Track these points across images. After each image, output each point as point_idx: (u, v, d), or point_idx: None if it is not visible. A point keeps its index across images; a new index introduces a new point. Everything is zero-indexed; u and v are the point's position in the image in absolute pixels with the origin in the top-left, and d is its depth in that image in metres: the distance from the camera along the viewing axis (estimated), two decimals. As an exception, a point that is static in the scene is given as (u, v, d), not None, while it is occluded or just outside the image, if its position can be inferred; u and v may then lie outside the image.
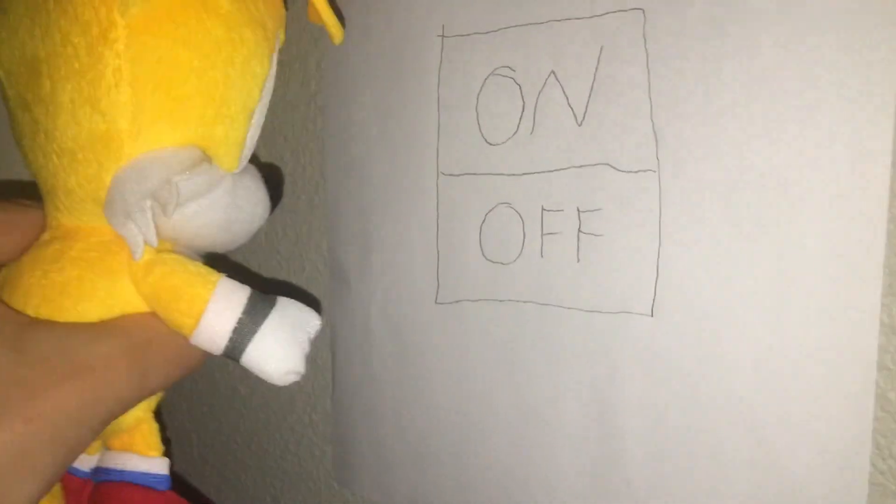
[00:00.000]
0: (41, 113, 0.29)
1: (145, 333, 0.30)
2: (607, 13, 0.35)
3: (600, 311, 0.38)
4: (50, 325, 0.29)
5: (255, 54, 0.31)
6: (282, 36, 0.34)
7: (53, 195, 0.31)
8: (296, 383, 0.55)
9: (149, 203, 0.28)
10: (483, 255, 0.42)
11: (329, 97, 0.48)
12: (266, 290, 0.32)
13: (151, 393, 0.31)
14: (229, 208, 0.31)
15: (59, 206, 0.31)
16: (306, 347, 0.31)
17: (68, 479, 0.36)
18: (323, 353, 0.53)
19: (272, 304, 0.31)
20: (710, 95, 0.33)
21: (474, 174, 0.41)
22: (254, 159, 0.35)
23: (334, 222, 0.50)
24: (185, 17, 0.28)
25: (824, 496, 0.33)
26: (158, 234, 0.30)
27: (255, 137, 0.34)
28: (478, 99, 0.41)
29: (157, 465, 0.35)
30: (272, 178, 0.36)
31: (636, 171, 0.36)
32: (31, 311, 0.30)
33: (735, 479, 0.35)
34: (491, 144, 0.41)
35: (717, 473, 0.36)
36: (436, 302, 0.44)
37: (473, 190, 0.42)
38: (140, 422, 0.34)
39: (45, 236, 0.32)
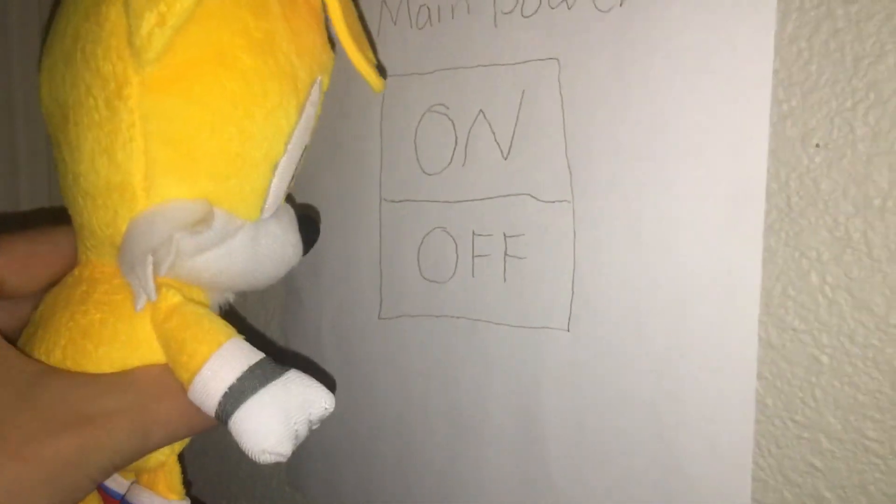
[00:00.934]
0: (68, 156, 0.30)
1: (155, 390, 0.29)
2: (528, 61, 0.40)
3: (524, 326, 0.42)
4: (61, 375, 0.29)
5: (280, 108, 0.30)
6: (325, 81, 0.34)
7: (81, 232, 0.32)
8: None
9: (150, 258, 0.27)
10: (421, 274, 0.46)
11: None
12: (289, 359, 0.32)
13: (156, 447, 0.31)
14: (249, 255, 0.31)
15: (86, 244, 0.32)
16: (300, 430, 0.29)
17: (106, 499, 0.37)
18: (277, 364, 0.56)
19: (275, 377, 0.29)
20: (616, 137, 0.37)
21: (413, 201, 0.45)
22: (290, 199, 0.35)
23: (287, 242, 0.53)
24: (200, 75, 0.28)
25: (715, 490, 0.37)
26: (178, 277, 0.30)
27: (286, 184, 0.33)
28: (416, 132, 0.45)
29: None
30: (306, 219, 0.36)
31: (553, 202, 0.40)
32: (59, 352, 0.30)
33: (643, 476, 0.39)
34: (428, 174, 0.45)
35: (627, 469, 0.40)
36: (379, 317, 0.48)
37: (412, 215, 0.46)
38: (162, 464, 0.35)
39: (76, 272, 0.33)
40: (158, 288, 0.30)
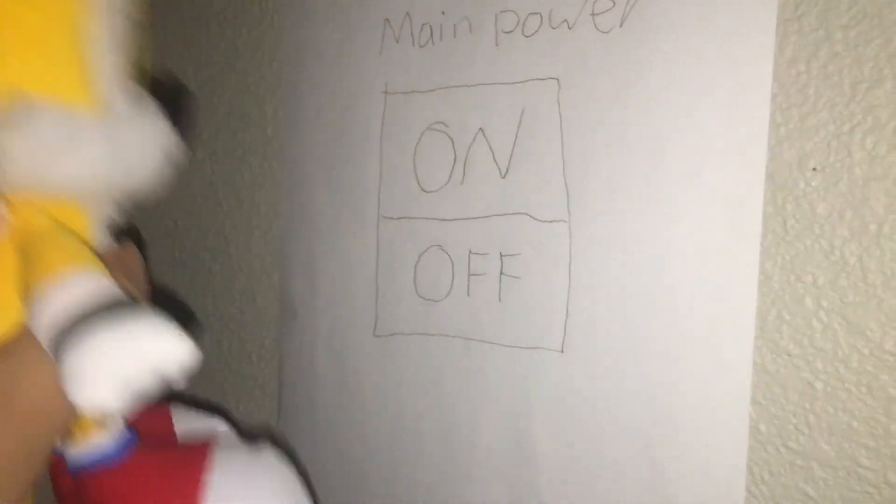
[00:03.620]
0: None
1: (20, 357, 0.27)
2: (528, 80, 0.40)
3: (517, 347, 0.42)
4: None
5: None
6: None
7: None
8: (245, 409, 0.58)
9: None
10: (416, 292, 0.46)
11: (284, 142, 0.52)
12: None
13: (23, 422, 0.27)
14: (115, 149, 0.28)
15: None
16: (138, 379, 0.24)
17: None
18: (271, 381, 0.56)
19: (112, 319, 0.25)
20: (613, 157, 0.37)
21: (410, 218, 0.45)
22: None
23: (285, 258, 0.53)
24: None
25: (707, 518, 0.37)
26: (45, 187, 0.27)
27: (117, 63, 0.29)
28: (415, 150, 0.45)
29: None
30: (172, 104, 0.33)
31: (550, 221, 0.40)
32: None
33: (633, 500, 0.39)
34: (426, 191, 0.45)
35: (618, 494, 0.39)
36: (374, 334, 0.48)
37: (409, 232, 0.45)
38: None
39: None
40: (19, 207, 0.28)
